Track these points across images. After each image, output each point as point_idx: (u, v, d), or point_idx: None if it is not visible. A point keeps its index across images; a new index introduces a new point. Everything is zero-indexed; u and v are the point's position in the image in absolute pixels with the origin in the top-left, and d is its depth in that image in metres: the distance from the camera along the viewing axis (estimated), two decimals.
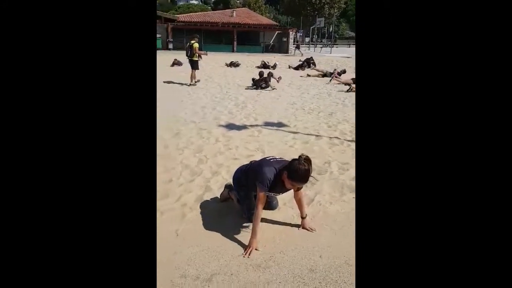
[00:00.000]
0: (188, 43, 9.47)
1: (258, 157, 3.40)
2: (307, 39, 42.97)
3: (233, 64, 15.24)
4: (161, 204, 2.61)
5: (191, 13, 30.64)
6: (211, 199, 2.76)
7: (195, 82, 9.31)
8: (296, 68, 14.38)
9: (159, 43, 25.23)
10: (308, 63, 14.84)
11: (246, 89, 8.87)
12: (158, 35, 25.48)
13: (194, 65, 9.30)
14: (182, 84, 9.35)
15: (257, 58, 18.56)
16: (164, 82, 9.58)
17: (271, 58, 18.68)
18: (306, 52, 27.63)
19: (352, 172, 3.35)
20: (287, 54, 26.71)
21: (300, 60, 16.06)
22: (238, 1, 58.89)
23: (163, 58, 16.09)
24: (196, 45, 9.33)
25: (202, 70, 11.13)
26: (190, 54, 9.28)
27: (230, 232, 2.26)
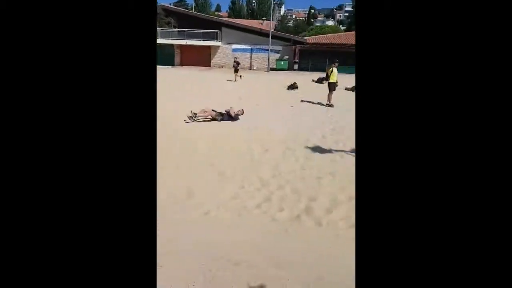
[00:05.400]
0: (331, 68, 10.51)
1: None
2: None
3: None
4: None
5: (320, 35, 31.10)
6: None
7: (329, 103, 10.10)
8: None
9: (286, 64, 26.29)
10: None
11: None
12: (286, 57, 26.69)
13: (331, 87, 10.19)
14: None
15: None
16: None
17: None
18: None
19: None
20: None
21: None
22: None
23: (283, 79, 16.62)
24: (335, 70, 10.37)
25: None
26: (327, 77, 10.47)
27: None
